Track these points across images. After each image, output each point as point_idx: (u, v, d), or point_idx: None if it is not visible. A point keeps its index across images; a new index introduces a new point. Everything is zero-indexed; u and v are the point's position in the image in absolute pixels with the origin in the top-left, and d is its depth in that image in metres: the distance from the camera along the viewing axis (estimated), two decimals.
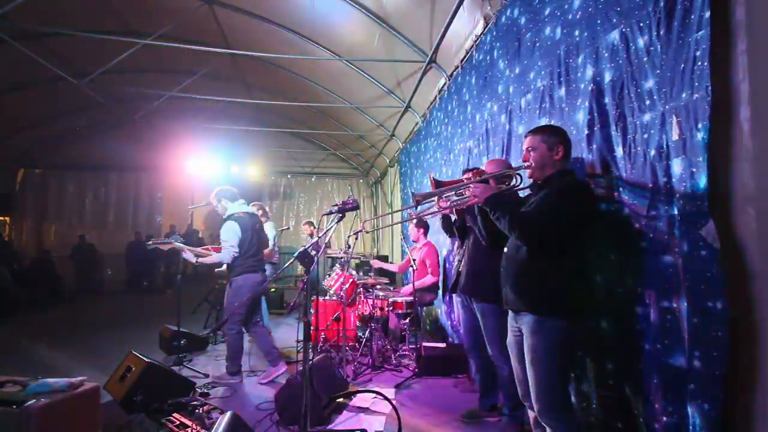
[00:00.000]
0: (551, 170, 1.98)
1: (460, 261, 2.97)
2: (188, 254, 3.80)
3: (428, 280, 4.72)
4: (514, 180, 2.23)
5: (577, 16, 2.39)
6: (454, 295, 3.58)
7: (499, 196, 1.99)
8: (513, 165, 2.63)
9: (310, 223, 6.74)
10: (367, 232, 4.86)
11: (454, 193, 2.29)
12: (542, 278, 1.86)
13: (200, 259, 3.77)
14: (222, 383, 3.71)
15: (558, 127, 2.09)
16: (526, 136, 2.06)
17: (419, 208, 2.52)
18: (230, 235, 3.64)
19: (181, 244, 3.90)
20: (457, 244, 3.31)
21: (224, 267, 3.88)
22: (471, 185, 2.09)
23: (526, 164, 2.01)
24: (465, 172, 3.07)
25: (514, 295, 1.94)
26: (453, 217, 3.06)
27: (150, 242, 4.06)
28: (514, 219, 1.87)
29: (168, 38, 5.73)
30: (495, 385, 2.97)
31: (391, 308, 4.57)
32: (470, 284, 2.77)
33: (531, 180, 2.10)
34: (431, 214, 3.47)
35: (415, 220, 4.79)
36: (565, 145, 1.97)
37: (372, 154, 9.82)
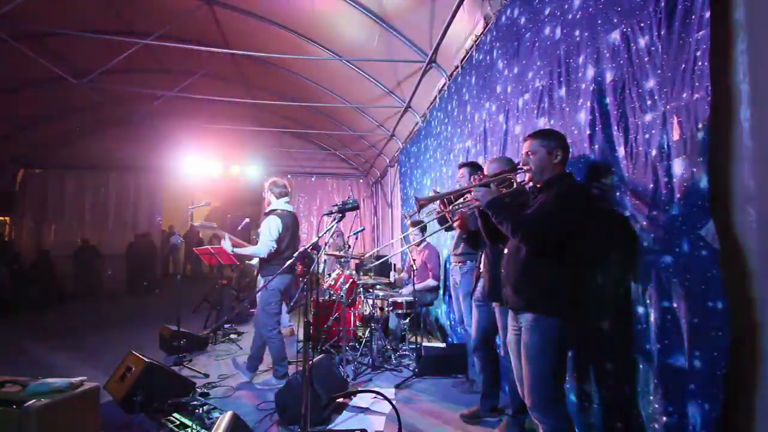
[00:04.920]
0: (550, 174, 2.00)
1: (478, 264, 2.99)
2: (226, 242, 3.73)
3: (430, 283, 4.72)
4: (515, 182, 2.20)
5: (578, 16, 2.39)
6: (455, 294, 3.57)
7: (500, 200, 2.01)
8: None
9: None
10: (356, 234, 4.83)
11: (455, 197, 2.30)
12: (541, 278, 1.91)
13: (237, 249, 3.73)
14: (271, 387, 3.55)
15: (557, 131, 2.11)
16: (525, 140, 2.08)
17: (422, 212, 2.53)
18: (271, 230, 3.60)
19: (223, 231, 3.84)
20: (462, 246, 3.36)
21: (255, 260, 3.80)
22: (472, 189, 2.10)
23: (525, 168, 2.04)
24: (461, 166, 3.10)
25: (515, 295, 1.99)
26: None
27: (197, 223, 4.11)
28: (517, 223, 1.90)
29: (168, 38, 5.73)
30: (497, 385, 2.99)
31: (391, 308, 4.57)
32: (493, 287, 2.70)
33: (530, 183, 2.10)
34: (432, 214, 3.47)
35: (410, 221, 4.79)
36: (563, 149, 2.00)
37: (372, 154, 9.82)
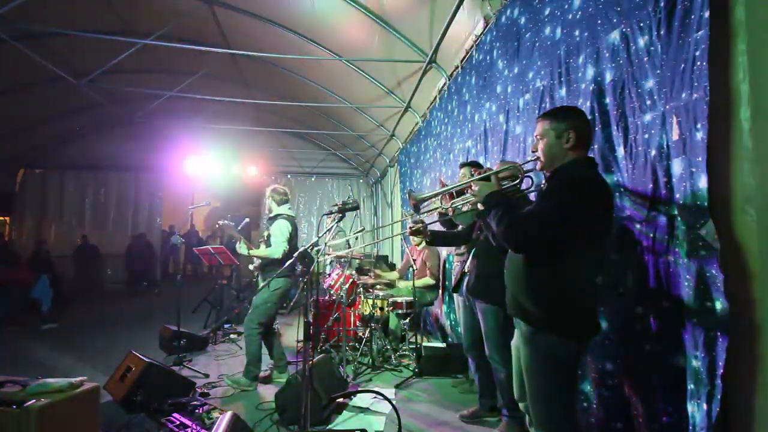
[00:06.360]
0: (561, 161, 1.70)
1: (465, 261, 2.96)
2: (242, 246, 3.87)
3: (429, 281, 4.71)
4: (520, 179, 1.98)
5: (578, 16, 2.39)
6: (455, 294, 3.57)
7: (496, 195, 1.78)
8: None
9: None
10: (358, 233, 4.82)
11: (456, 192, 2.27)
12: (536, 287, 1.66)
13: (251, 252, 3.85)
14: (240, 388, 3.60)
15: (571, 109, 1.78)
16: (537, 122, 1.81)
17: (423, 213, 2.48)
18: (283, 232, 3.74)
19: (239, 235, 3.93)
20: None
21: (257, 263, 3.90)
22: (472, 184, 1.94)
23: (534, 156, 1.79)
24: (461, 166, 3.07)
25: (510, 301, 1.80)
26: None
27: (219, 222, 4.13)
28: (502, 220, 1.66)
29: (168, 38, 5.73)
30: (494, 385, 2.96)
31: (391, 308, 4.57)
32: (477, 285, 2.71)
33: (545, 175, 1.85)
34: (430, 211, 3.43)
35: (411, 221, 4.77)
36: (577, 131, 1.66)
37: (372, 154, 9.81)
